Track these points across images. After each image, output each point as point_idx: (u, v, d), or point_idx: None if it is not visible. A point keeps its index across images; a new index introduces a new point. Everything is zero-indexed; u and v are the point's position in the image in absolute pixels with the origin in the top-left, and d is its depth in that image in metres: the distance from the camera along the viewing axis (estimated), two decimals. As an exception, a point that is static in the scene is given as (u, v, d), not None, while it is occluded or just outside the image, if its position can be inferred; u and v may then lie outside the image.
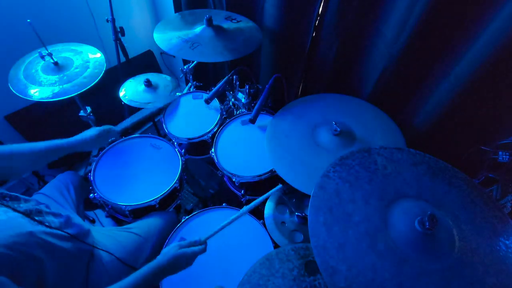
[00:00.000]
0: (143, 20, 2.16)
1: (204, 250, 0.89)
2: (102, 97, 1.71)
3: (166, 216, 1.23)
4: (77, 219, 1.05)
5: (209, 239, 0.91)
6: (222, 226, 0.93)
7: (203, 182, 1.76)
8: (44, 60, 1.26)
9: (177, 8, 1.86)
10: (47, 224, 0.81)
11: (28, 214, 0.78)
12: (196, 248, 0.87)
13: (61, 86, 1.20)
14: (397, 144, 1.05)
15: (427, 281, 0.61)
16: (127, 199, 1.20)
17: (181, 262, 0.84)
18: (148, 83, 1.49)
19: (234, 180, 1.24)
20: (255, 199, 0.94)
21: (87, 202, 1.33)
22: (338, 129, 1.03)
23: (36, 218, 0.79)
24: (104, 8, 1.48)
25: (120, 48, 1.59)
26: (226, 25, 1.39)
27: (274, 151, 1.08)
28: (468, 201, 0.73)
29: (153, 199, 1.20)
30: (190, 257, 0.86)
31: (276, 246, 1.07)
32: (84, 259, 0.93)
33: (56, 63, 1.25)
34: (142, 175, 1.29)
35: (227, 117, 1.49)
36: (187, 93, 1.60)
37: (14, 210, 0.76)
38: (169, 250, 0.85)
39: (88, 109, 1.51)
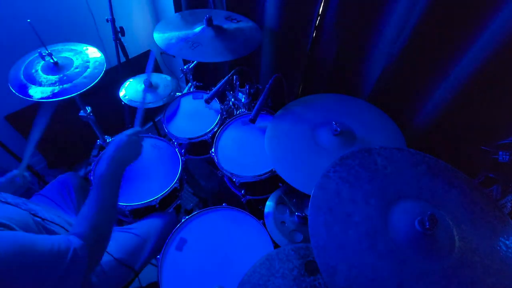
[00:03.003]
0: (143, 20, 2.16)
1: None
2: (102, 97, 1.71)
3: (166, 217, 1.23)
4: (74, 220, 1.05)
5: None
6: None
7: (203, 182, 1.76)
8: (44, 60, 1.26)
9: (177, 8, 1.86)
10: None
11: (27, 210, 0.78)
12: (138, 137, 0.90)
13: (61, 86, 1.20)
14: (397, 144, 1.04)
15: (427, 281, 0.61)
16: (127, 199, 1.20)
17: (130, 147, 0.85)
18: (148, 83, 1.49)
19: (234, 180, 1.24)
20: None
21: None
22: (338, 129, 1.03)
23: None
24: (104, 8, 1.48)
25: (120, 48, 1.59)
26: (226, 25, 1.39)
27: (274, 151, 1.07)
28: (468, 201, 0.73)
29: (153, 199, 1.20)
30: (137, 142, 0.88)
31: (276, 246, 1.07)
32: None
33: (56, 63, 1.25)
34: (142, 175, 1.29)
35: (227, 117, 1.49)
36: (187, 93, 1.60)
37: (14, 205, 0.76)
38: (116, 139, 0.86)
39: (88, 109, 1.51)
